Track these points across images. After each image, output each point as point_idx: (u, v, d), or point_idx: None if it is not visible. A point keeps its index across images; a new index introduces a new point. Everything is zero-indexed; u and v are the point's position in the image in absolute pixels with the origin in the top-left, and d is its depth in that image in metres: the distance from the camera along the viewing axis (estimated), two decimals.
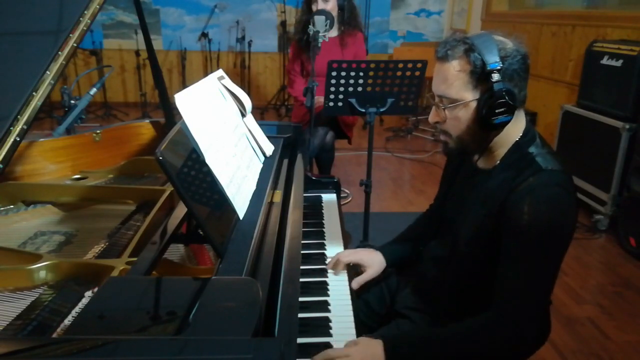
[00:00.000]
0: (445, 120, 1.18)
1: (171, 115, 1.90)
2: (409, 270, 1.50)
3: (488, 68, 1.08)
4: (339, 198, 1.88)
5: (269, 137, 1.63)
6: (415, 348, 1.13)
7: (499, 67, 1.08)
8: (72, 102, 1.98)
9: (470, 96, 1.13)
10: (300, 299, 1.16)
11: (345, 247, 1.54)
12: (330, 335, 1.15)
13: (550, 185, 1.10)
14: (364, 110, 2.36)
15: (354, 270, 1.45)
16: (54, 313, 0.99)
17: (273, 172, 1.48)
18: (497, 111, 1.10)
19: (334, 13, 3.23)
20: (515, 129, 1.17)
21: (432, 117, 1.21)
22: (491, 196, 1.16)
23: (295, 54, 3.46)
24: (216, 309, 0.86)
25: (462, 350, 1.12)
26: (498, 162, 1.19)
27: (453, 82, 1.13)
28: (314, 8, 3.18)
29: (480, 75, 1.10)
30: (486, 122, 1.12)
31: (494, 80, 1.09)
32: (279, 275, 1.08)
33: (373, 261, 1.45)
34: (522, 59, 1.12)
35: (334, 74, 2.28)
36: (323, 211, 1.75)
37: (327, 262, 1.44)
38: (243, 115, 1.49)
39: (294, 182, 1.60)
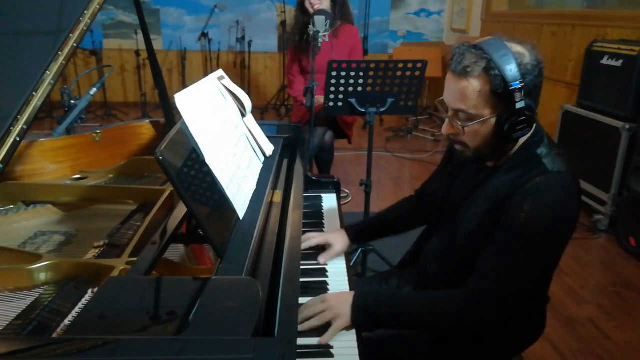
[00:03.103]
0: (461, 133, 1.16)
1: (171, 115, 1.90)
2: (410, 269, 1.51)
3: (510, 87, 1.06)
4: (339, 198, 1.88)
5: (269, 137, 1.63)
6: (380, 306, 1.17)
7: (520, 86, 1.06)
8: (72, 102, 1.98)
9: (489, 113, 1.11)
10: (300, 299, 1.16)
11: None
12: None
13: (556, 187, 1.10)
14: (364, 110, 2.36)
15: (353, 270, 1.46)
16: (54, 313, 0.99)
17: (273, 172, 1.48)
18: (518, 127, 1.10)
19: (326, 7, 3.23)
20: None
21: (446, 130, 1.20)
22: (495, 193, 1.17)
23: (293, 55, 3.46)
24: (216, 309, 0.86)
25: (421, 316, 1.18)
26: (506, 160, 1.19)
27: (472, 100, 1.10)
28: (307, 5, 3.18)
29: (501, 94, 1.08)
30: (506, 137, 1.11)
31: (516, 99, 1.07)
32: (279, 275, 1.08)
33: (337, 239, 1.49)
34: (539, 72, 1.10)
35: (333, 74, 2.28)
36: (323, 211, 1.75)
37: (327, 262, 1.45)
38: (243, 115, 1.49)
39: (294, 182, 1.60)
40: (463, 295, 1.15)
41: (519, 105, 1.07)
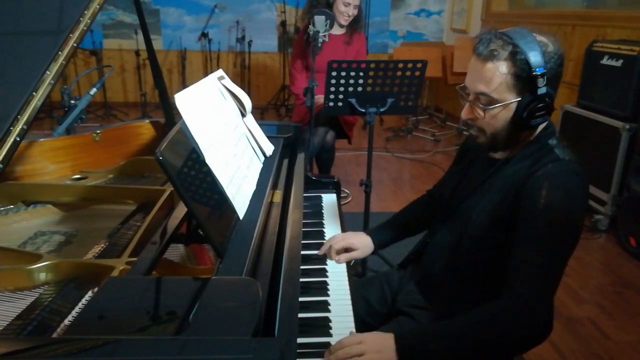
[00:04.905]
0: (481, 118, 1.18)
1: (171, 115, 1.90)
2: (413, 266, 1.51)
3: (534, 73, 1.09)
4: (339, 198, 1.88)
5: (269, 137, 1.63)
6: (428, 342, 1.09)
7: (543, 72, 1.09)
8: (72, 102, 1.98)
9: (511, 97, 1.13)
10: (300, 299, 1.16)
11: None
12: (330, 335, 1.15)
13: (568, 172, 1.12)
14: (364, 110, 2.36)
15: (353, 270, 1.45)
16: (54, 313, 0.99)
17: (273, 172, 1.48)
18: (537, 114, 1.12)
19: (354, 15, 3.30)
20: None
21: (465, 114, 1.21)
22: (507, 182, 1.18)
23: (299, 49, 3.46)
24: (216, 309, 0.86)
25: (475, 340, 1.09)
26: (517, 152, 1.21)
27: (496, 83, 1.12)
28: (341, 8, 3.21)
29: (525, 79, 1.10)
30: (524, 123, 1.13)
31: (539, 85, 1.09)
32: (279, 275, 1.08)
33: (362, 244, 1.50)
34: (561, 61, 1.13)
35: (333, 74, 2.28)
36: (323, 211, 1.75)
37: (327, 262, 1.45)
38: (243, 115, 1.49)
39: (294, 182, 1.60)
40: (509, 303, 1.08)
41: (541, 91, 1.10)
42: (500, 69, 1.11)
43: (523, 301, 1.07)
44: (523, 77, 1.10)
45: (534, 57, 1.09)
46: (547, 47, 1.12)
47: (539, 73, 1.09)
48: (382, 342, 1.09)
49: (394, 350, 1.07)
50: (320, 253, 1.47)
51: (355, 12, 3.31)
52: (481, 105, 1.16)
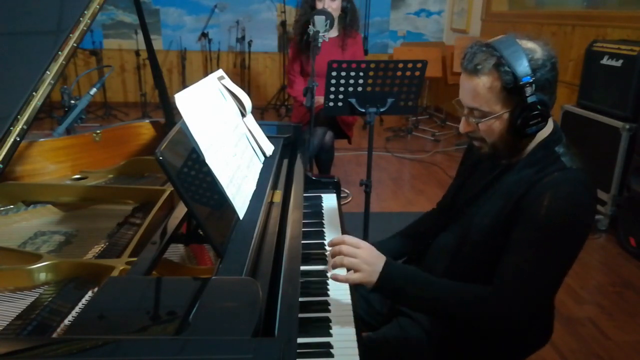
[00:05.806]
0: (477, 130, 1.18)
1: (171, 115, 1.90)
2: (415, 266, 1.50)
3: (520, 82, 1.07)
4: (339, 198, 1.88)
5: (269, 137, 1.63)
6: (409, 284, 1.18)
7: (531, 81, 1.07)
8: (72, 102, 1.98)
9: (501, 108, 1.13)
10: (300, 299, 1.16)
11: None
12: (330, 335, 1.14)
13: (574, 182, 1.11)
14: (364, 110, 2.36)
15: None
16: (54, 313, 0.99)
17: (273, 172, 1.48)
18: (531, 122, 1.11)
19: (337, 14, 3.26)
20: (544, 128, 1.16)
21: (463, 128, 1.22)
22: (511, 189, 1.17)
23: (294, 54, 3.47)
24: (216, 309, 0.86)
25: (450, 309, 1.17)
26: (522, 157, 1.20)
27: (484, 97, 1.12)
28: (319, 6, 3.18)
29: (512, 90, 1.09)
30: (521, 132, 1.12)
31: (527, 94, 1.08)
32: (279, 275, 1.08)
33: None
34: (552, 66, 1.11)
35: (333, 74, 2.28)
36: (323, 211, 1.75)
37: (327, 262, 1.44)
38: (243, 115, 1.49)
39: (294, 182, 1.60)
40: (491, 294, 1.14)
41: (530, 99, 1.08)
42: (485, 82, 1.11)
43: (503, 298, 1.12)
44: (509, 88, 1.09)
45: (520, 67, 1.07)
46: (535, 54, 1.09)
47: (525, 82, 1.07)
48: (376, 259, 1.19)
49: (378, 272, 1.17)
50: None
51: (334, 5, 3.24)
52: (474, 120, 1.16)
